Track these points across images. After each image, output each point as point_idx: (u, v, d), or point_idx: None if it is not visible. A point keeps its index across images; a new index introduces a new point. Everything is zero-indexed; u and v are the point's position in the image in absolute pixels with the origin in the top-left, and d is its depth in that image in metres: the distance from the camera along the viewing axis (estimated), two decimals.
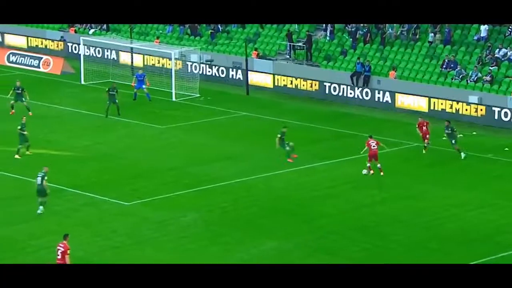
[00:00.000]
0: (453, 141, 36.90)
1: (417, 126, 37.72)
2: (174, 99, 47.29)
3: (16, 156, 35.77)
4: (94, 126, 41.39)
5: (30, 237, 28.02)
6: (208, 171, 35.14)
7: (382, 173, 34.33)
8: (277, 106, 46.47)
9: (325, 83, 48.23)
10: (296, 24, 53.26)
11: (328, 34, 51.97)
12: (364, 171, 34.48)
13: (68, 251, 23.78)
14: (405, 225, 29.84)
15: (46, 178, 29.78)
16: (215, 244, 27.97)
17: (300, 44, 51.77)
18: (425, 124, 37.54)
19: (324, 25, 52.49)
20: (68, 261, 23.65)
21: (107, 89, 42.81)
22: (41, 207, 29.82)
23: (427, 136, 37.48)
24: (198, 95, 48.04)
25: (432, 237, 28.73)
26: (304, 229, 29.40)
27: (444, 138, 37.53)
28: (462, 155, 36.63)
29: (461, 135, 38.79)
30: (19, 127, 36.16)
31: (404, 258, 26.79)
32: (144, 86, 45.76)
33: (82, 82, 49.78)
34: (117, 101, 42.29)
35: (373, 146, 34.66)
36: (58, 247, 24.02)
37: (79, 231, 28.39)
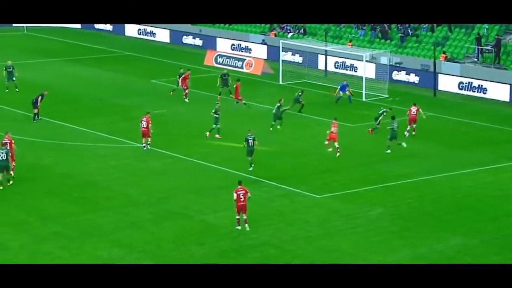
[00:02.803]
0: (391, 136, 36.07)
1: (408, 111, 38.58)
2: (364, 99, 46.55)
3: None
4: (291, 124, 41.44)
5: (232, 223, 28.32)
6: (394, 168, 34.20)
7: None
8: (463, 107, 44.65)
9: None
10: (485, 28, 50.92)
11: None
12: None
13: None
14: None
15: (256, 139, 32.94)
16: (400, 238, 27.11)
17: (488, 47, 49.47)
18: (416, 110, 38.56)
19: None
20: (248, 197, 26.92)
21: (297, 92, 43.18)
22: (252, 166, 32.95)
23: (414, 123, 38.39)
24: (387, 96, 47.01)
25: None
26: (490, 227, 27.94)
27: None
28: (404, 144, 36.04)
29: None
30: (275, 107, 38.97)
31: None
32: (347, 89, 45.58)
33: (280, 82, 50.11)
34: (301, 100, 42.49)
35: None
36: (238, 192, 26.87)
37: (274, 220, 28.45)
